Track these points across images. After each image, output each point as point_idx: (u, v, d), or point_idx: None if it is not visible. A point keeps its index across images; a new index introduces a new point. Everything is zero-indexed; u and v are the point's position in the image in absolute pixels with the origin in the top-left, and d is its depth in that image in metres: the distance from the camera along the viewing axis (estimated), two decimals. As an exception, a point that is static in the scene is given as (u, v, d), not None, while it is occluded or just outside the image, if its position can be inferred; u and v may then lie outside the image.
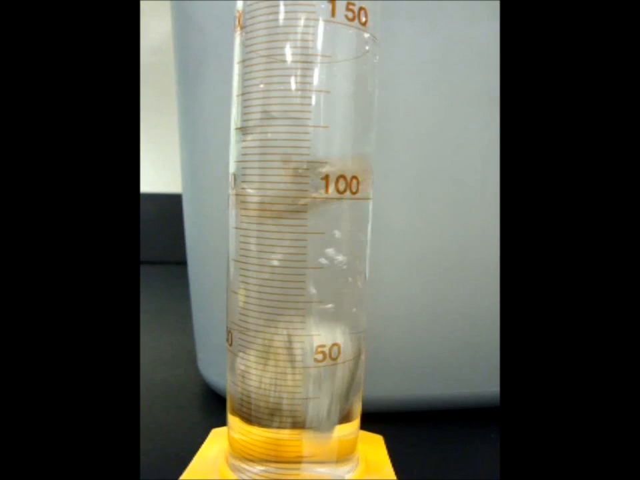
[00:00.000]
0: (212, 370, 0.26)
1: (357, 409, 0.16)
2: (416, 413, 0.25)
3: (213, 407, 0.26)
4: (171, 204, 0.66)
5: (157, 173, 0.68)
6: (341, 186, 0.13)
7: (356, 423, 0.16)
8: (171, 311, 0.46)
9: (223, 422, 0.18)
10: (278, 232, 0.13)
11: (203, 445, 0.18)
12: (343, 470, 0.15)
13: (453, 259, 0.24)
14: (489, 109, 0.22)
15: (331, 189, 0.13)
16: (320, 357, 0.14)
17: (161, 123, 0.64)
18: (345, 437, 0.16)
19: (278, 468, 0.14)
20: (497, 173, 0.23)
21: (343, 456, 0.16)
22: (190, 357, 0.32)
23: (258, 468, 0.15)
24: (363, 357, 0.16)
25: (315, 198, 0.13)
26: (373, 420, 0.18)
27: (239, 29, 0.14)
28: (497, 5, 0.21)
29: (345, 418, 0.15)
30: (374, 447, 0.18)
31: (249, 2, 0.14)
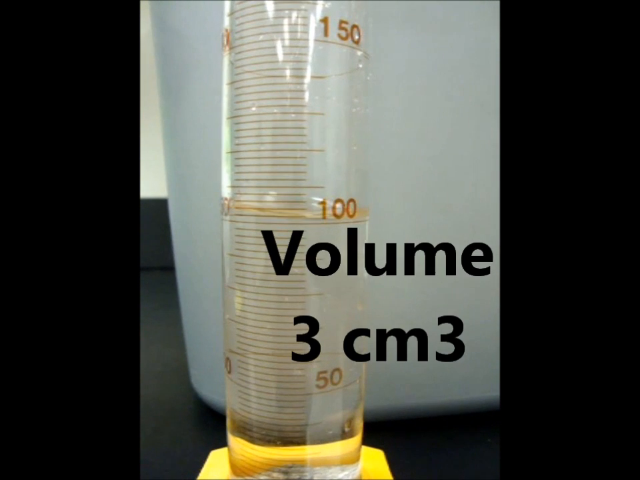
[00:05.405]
0: (206, 386, 0.26)
1: (359, 425, 0.16)
2: (412, 420, 0.25)
3: (208, 424, 0.25)
4: (152, 208, 0.65)
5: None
6: (339, 210, 0.13)
7: (357, 438, 0.16)
8: (157, 319, 0.45)
9: (219, 439, 0.17)
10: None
11: (203, 469, 0.18)
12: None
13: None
14: (486, 118, 0.22)
15: (329, 213, 0.13)
16: (321, 382, 0.14)
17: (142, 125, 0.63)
18: (347, 454, 0.15)
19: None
20: (495, 183, 0.23)
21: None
22: (181, 368, 0.31)
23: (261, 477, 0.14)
24: (363, 378, 0.16)
25: (312, 223, 0.13)
26: (368, 429, 0.18)
27: (227, 48, 0.14)
28: (491, 10, 0.21)
29: (346, 434, 0.15)
30: (375, 463, 0.18)
31: (237, 21, 0.13)
